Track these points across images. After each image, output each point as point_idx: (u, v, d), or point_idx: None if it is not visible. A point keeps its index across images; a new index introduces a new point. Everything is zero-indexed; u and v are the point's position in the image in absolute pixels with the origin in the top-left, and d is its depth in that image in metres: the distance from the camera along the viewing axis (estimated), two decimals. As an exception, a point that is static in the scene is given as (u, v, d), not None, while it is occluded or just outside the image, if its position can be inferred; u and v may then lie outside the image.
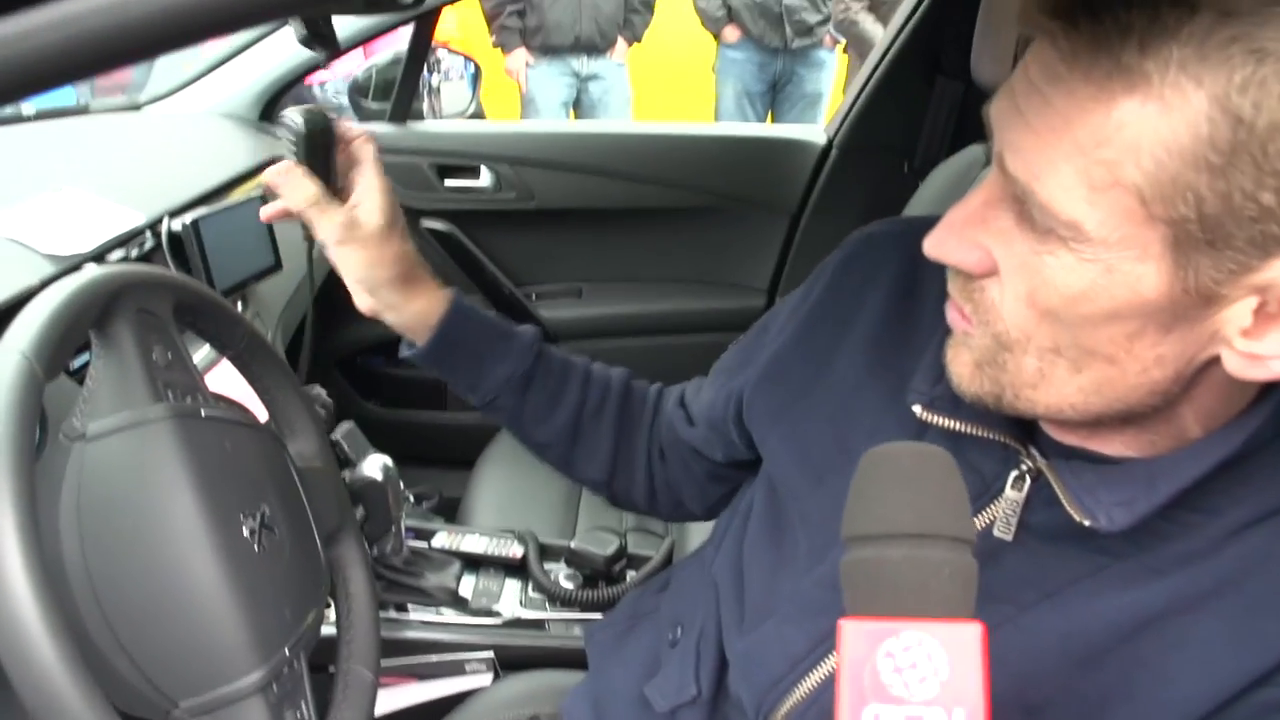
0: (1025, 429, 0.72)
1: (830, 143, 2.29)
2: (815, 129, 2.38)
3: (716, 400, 0.98)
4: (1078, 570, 0.68)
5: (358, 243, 0.91)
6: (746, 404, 0.91)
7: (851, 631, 0.53)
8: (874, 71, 2.21)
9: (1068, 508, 0.66)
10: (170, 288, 0.86)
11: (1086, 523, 0.65)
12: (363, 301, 0.95)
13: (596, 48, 4.31)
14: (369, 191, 0.92)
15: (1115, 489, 0.65)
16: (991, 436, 0.71)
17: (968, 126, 2.17)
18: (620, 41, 4.36)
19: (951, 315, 0.68)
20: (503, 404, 1.02)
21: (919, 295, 0.82)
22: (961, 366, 0.68)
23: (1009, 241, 0.61)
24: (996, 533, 0.71)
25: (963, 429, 0.72)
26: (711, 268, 2.38)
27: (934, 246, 0.65)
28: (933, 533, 0.54)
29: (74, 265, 1.18)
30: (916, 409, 0.73)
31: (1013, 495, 0.71)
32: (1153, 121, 0.52)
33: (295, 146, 0.91)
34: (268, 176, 0.92)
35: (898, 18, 2.17)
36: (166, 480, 0.77)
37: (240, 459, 0.85)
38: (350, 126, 0.95)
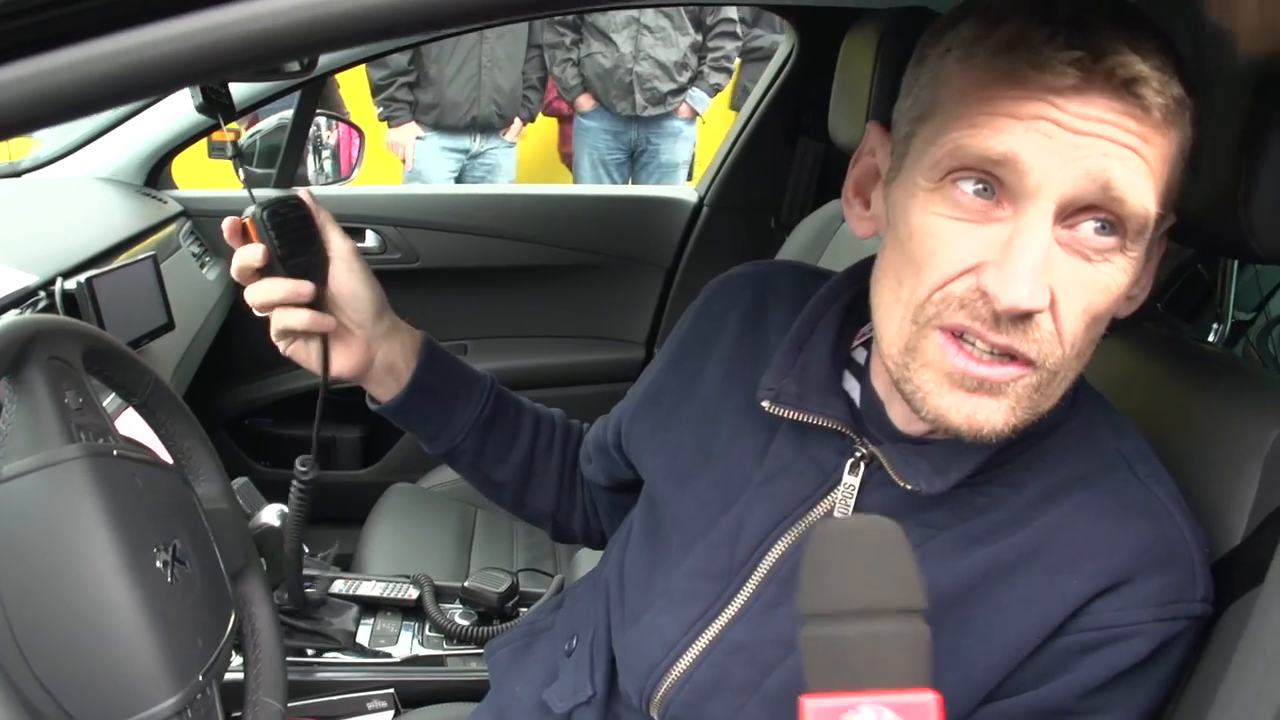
0: (858, 420, 0.82)
1: (702, 200, 2.43)
2: (687, 188, 2.52)
3: (603, 429, 1.08)
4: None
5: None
6: (626, 428, 1.00)
7: (812, 709, 0.56)
8: (740, 133, 2.36)
9: (894, 476, 0.77)
10: (80, 336, 0.90)
11: (909, 486, 0.76)
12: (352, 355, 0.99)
13: (492, 127, 4.15)
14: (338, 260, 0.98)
15: (932, 461, 0.77)
16: (831, 426, 0.81)
17: (828, 183, 2.32)
18: (516, 121, 4.23)
19: (997, 371, 0.69)
20: (466, 448, 1.06)
21: (766, 321, 0.92)
22: (995, 415, 0.70)
23: (1058, 267, 0.68)
24: (837, 514, 0.81)
25: (806, 419, 0.81)
26: (592, 322, 2.49)
27: (1031, 299, 0.66)
28: (884, 607, 0.57)
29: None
30: (765, 404, 0.82)
31: (849, 480, 0.81)
32: (1165, 139, 0.68)
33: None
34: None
35: (761, 83, 2.33)
36: (82, 515, 0.80)
37: (152, 495, 0.89)
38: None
